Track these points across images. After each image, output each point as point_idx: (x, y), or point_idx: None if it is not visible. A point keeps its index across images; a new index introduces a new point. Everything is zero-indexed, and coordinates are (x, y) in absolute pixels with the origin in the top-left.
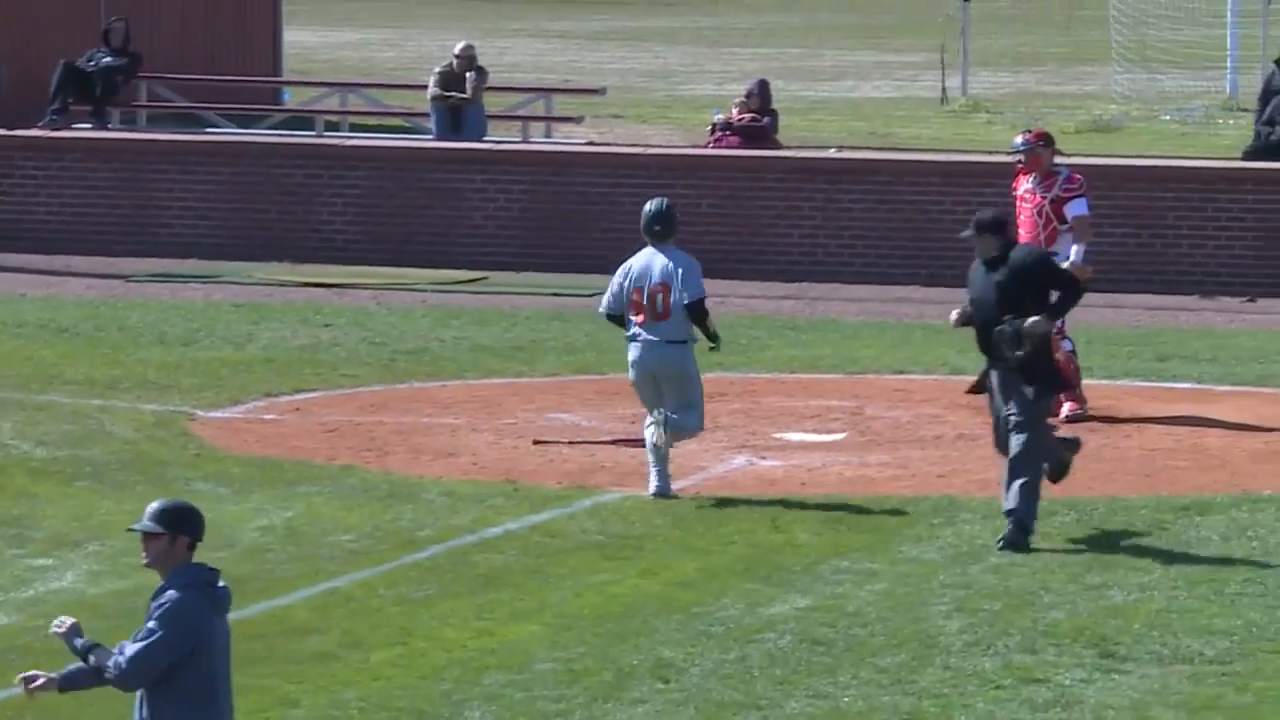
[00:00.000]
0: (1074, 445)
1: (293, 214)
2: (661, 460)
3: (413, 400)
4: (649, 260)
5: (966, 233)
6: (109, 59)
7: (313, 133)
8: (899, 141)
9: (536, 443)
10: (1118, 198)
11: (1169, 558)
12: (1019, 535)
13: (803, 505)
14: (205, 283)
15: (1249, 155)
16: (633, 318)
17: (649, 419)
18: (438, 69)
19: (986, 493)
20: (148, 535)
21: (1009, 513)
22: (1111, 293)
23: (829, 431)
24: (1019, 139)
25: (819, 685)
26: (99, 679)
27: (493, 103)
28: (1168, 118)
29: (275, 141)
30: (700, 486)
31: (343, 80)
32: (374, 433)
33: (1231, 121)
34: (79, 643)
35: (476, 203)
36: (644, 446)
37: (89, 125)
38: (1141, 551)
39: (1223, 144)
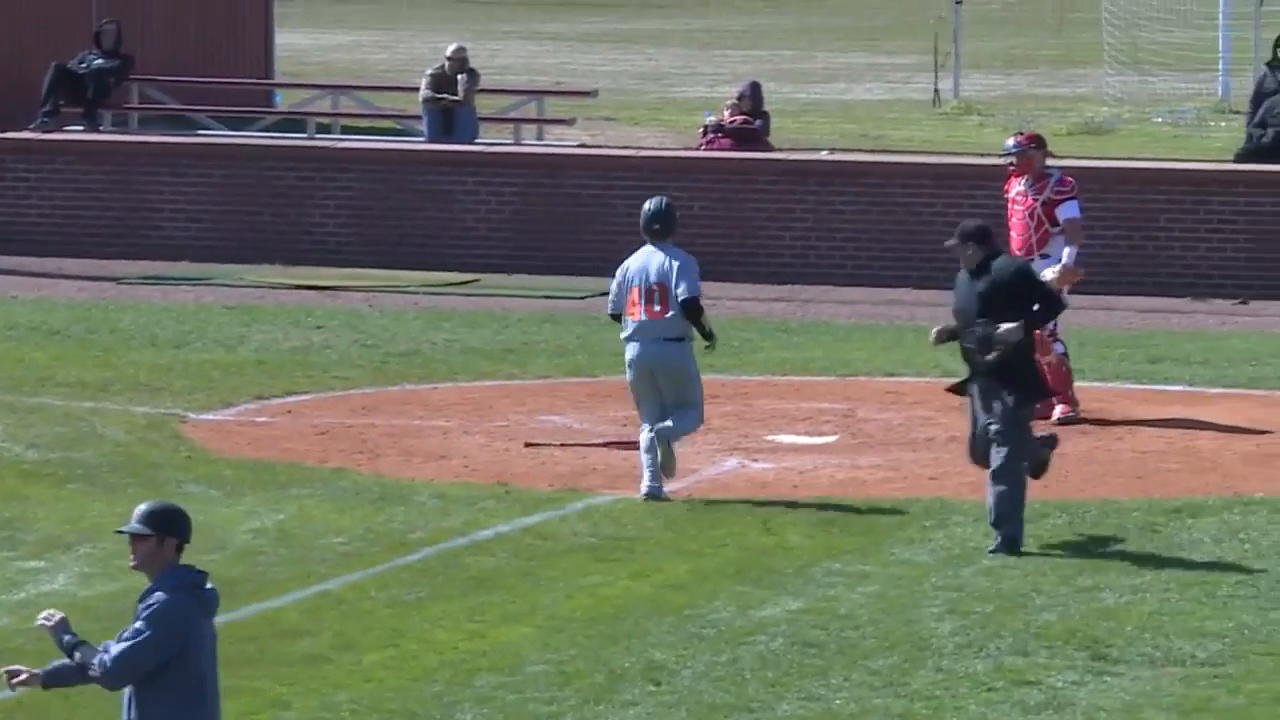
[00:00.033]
0: (1052, 442)
1: (284, 216)
2: (656, 464)
3: (404, 402)
4: (647, 258)
5: (951, 242)
6: (100, 61)
7: (304, 135)
8: (891, 144)
9: (528, 445)
10: (1110, 200)
11: (1161, 560)
12: (1008, 546)
13: (794, 507)
14: (197, 285)
15: (1241, 157)
16: (629, 315)
17: (645, 429)
18: (429, 71)
19: (978, 495)
20: (135, 537)
21: (994, 524)
22: (1103, 295)
23: (821, 434)
24: (1011, 141)
25: (811, 687)
26: (83, 676)
27: (484, 105)
28: (1160, 120)
29: (267, 144)
30: (692, 489)
31: (334, 82)
32: (365, 435)
33: (1223, 124)
34: (66, 638)
35: (468, 205)
36: (636, 449)
37: (80, 127)
38: (1133, 554)
39: (1215, 146)
